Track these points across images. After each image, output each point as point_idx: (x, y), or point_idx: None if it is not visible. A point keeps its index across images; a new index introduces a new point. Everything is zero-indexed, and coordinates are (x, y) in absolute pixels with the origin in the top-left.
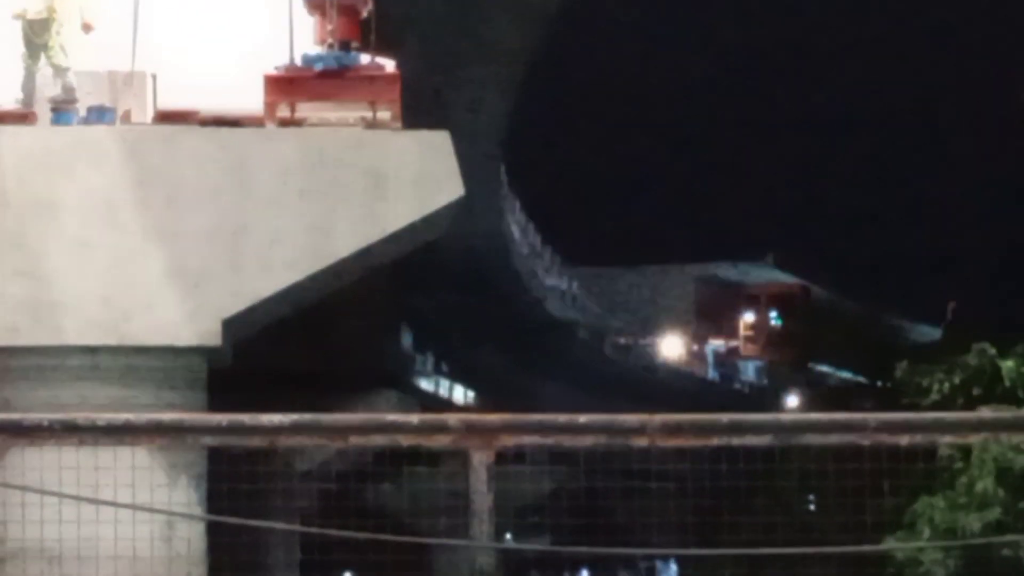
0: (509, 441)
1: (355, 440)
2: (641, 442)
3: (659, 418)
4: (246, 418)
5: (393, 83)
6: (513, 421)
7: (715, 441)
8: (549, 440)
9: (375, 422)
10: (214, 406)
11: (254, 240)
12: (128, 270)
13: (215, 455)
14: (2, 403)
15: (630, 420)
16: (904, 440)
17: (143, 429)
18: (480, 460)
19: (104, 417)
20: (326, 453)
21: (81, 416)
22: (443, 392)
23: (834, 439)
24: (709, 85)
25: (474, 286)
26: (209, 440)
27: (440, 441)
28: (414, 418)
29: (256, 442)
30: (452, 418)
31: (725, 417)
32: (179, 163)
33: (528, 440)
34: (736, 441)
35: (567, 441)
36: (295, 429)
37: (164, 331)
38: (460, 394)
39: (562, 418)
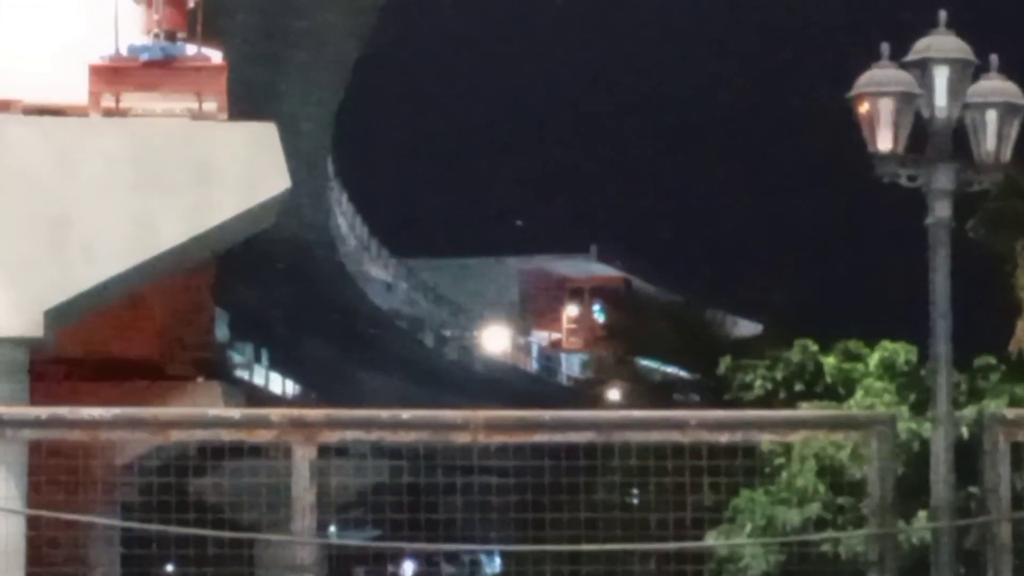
0: (331, 436)
1: (177, 435)
2: (464, 438)
3: (482, 414)
4: (66, 412)
5: (219, 74)
6: (335, 416)
7: (537, 438)
8: (372, 436)
9: (197, 417)
10: (35, 396)
11: (78, 230)
12: None
13: (36, 448)
14: None
15: (453, 416)
16: (724, 438)
17: None
18: (302, 455)
19: None
20: (148, 446)
21: None
22: (268, 385)
23: (656, 436)
24: (533, 79)
25: (300, 278)
26: (29, 434)
27: (263, 436)
28: (236, 413)
29: (77, 436)
30: (274, 413)
31: (547, 414)
32: (1, 152)
33: (351, 435)
34: (559, 438)
35: (390, 437)
36: (116, 423)
37: None
38: (286, 387)
39: (385, 414)
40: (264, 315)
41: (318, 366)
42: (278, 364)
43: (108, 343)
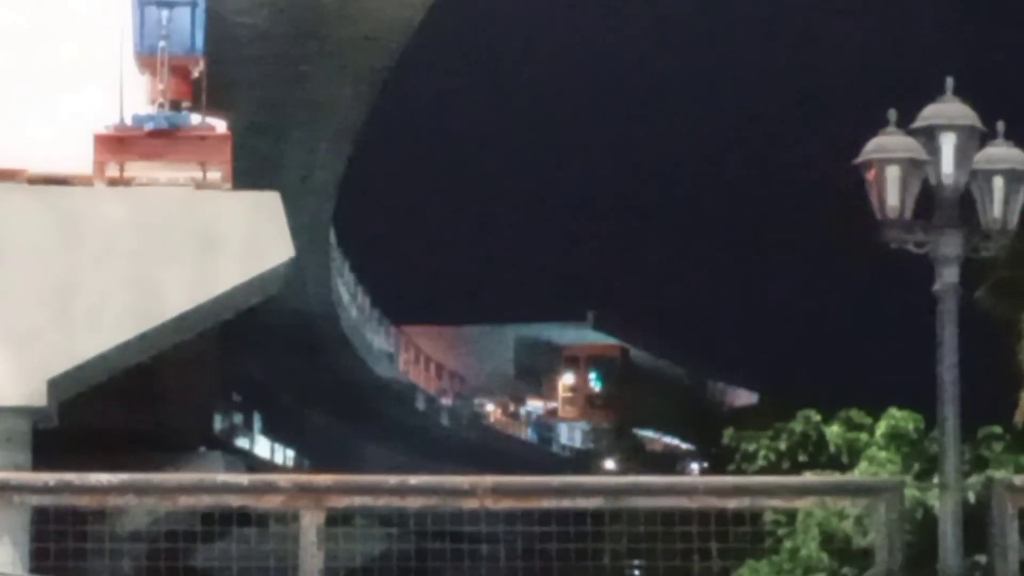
0: (339, 502)
1: (185, 500)
2: (471, 504)
3: (489, 480)
4: (74, 478)
5: (223, 144)
6: (343, 482)
7: (545, 503)
8: (380, 501)
9: (205, 483)
10: (37, 466)
11: (82, 299)
12: None
13: (40, 515)
14: None
15: (460, 482)
16: (732, 504)
17: None
18: (310, 521)
19: None
20: (154, 513)
21: None
22: (270, 454)
23: (664, 502)
24: (531, 148)
25: (302, 347)
26: (37, 500)
27: (271, 502)
28: (244, 479)
29: (85, 502)
30: (282, 479)
31: (555, 479)
32: (6, 221)
33: (359, 501)
34: (567, 503)
35: (397, 502)
36: (124, 489)
37: None
38: (287, 456)
39: (392, 479)
40: (265, 384)
41: (317, 435)
42: (278, 433)
43: (110, 413)
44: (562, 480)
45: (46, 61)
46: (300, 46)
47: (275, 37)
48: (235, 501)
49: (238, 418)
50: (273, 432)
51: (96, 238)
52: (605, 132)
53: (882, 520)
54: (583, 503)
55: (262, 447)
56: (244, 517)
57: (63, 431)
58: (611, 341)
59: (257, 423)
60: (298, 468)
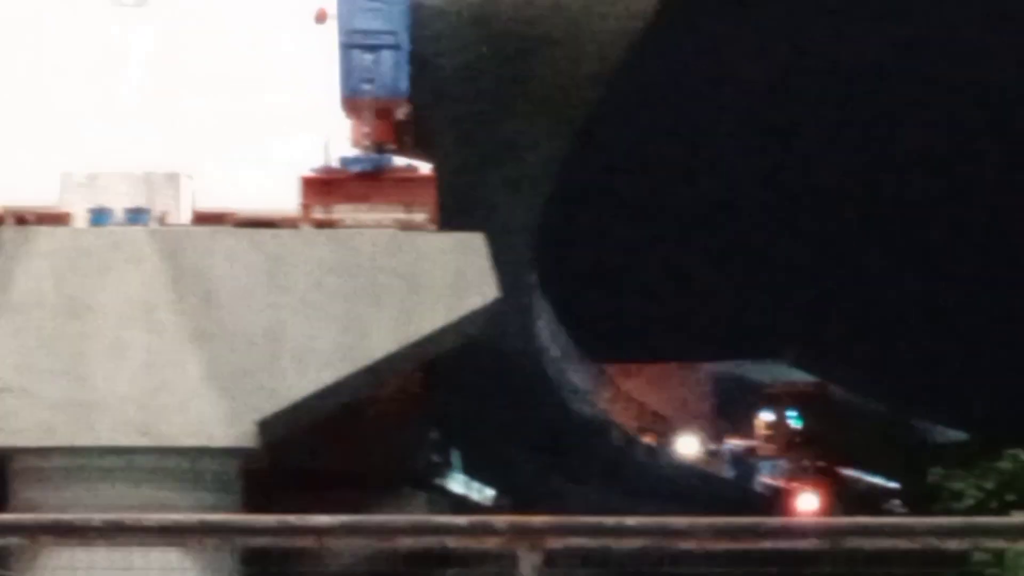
0: (556, 543)
1: (403, 541)
2: (690, 544)
3: (707, 521)
4: (294, 519)
5: (428, 185)
6: (561, 523)
7: (765, 544)
8: (597, 542)
9: (424, 523)
10: (245, 506)
11: (290, 341)
12: (164, 371)
13: (245, 555)
14: (27, 504)
15: (679, 523)
16: (954, 544)
17: (191, 530)
18: (527, 562)
19: (152, 518)
20: (353, 555)
21: (128, 517)
22: (469, 492)
23: (883, 543)
24: (730, 185)
25: (501, 386)
26: (257, 541)
27: (487, 543)
28: (462, 519)
29: (304, 543)
30: (499, 520)
31: (774, 520)
32: (215, 264)
33: (576, 542)
34: (785, 544)
35: (614, 543)
36: (344, 530)
37: (199, 432)
38: (486, 495)
39: (610, 520)
40: (464, 422)
41: (516, 473)
42: (476, 471)
43: (313, 452)
44: (782, 521)
45: (253, 106)
46: (502, 87)
47: (477, 79)
48: (452, 542)
49: (438, 456)
50: (472, 470)
51: (303, 280)
52: (807, 156)
53: None
54: (803, 544)
55: (461, 485)
56: (443, 558)
57: (268, 471)
58: (810, 378)
59: (456, 461)
60: (497, 507)
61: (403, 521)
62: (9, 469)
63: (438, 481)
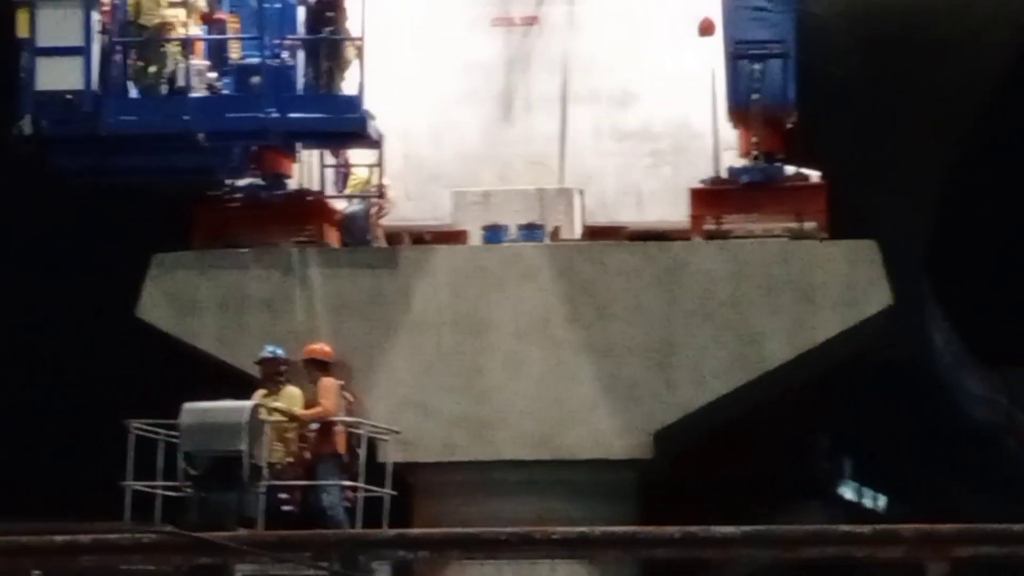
0: (965, 552)
1: (806, 552)
2: None
3: None
4: (697, 530)
5: (818, 194)
6: (970, 531)
7: None
8: (1005, 551)
9: (827, 533)
10: (640, 519)
11: (683, 352)
12: (559, 384)
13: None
14: (429, 519)
15: None
16: None
17: (597, 542)
18: (935, 572)
19: (559, 530)
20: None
21: (537, 530)
22: (863, 501)
23: None
24: None
25: (892, 393)
26: (662, 552)
27: (892, 552)
28: (866, 529)
29: (707, 554)
30: (906, 528)
31: None
32: (609, 277)
33: (985, 551)
34: None
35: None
36: (747, 541)
37: (596, 444)
38: (880, 504)
39: (1020, 528)
40: (853, 430)
41: (909, 481)
42: (867, 479)
43: (707, 463)
44: None
45: (637, 119)
46: (891, 92)
47: (865, 84)
48: (857, 552)
49: (829, 464)
50: (862, 478)
51: (695, 291)
52: None
53: None
54: None
55: (853, 493)
56: (845, 567)
57: (662, 483)
58: None
59: (847, 470)
60: (893, 515)
61: (806, 531)
62: (411, 485)
63: (830, 489)
